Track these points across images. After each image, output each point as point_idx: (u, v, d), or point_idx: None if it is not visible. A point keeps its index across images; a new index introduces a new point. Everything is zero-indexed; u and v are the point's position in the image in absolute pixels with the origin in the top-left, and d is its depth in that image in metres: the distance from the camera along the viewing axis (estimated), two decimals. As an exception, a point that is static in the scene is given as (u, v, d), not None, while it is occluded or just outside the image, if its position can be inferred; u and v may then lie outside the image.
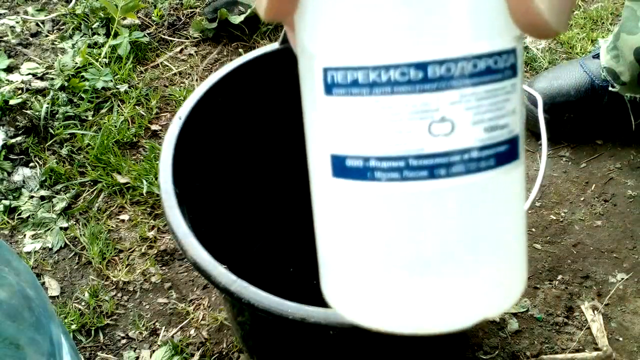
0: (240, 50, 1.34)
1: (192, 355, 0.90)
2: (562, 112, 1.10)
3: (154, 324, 0.94)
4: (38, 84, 1.26)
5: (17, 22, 1.42)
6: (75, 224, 1.06)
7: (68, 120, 1.21)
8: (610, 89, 1.09)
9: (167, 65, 1.32)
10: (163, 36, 1.38)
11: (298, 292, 0.92)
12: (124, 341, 0.93)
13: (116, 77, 1.27)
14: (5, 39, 1.38)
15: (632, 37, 1.03)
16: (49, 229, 1.06)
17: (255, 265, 0.95)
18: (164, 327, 0.93)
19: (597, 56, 1.12)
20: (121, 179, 1.10)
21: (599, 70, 1.10)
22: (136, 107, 1.23)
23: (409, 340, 0.68)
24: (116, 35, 1.34)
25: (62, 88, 1.25)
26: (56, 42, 1.36)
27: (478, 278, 0.27)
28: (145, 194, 1.08)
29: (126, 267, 1.00)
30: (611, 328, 0.90)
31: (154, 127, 1.20)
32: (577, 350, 0.88)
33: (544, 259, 0.98)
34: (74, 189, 1.11)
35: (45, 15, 1.43)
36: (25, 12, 1.44)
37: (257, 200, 0.93)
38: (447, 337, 0.74)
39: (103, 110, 1.23)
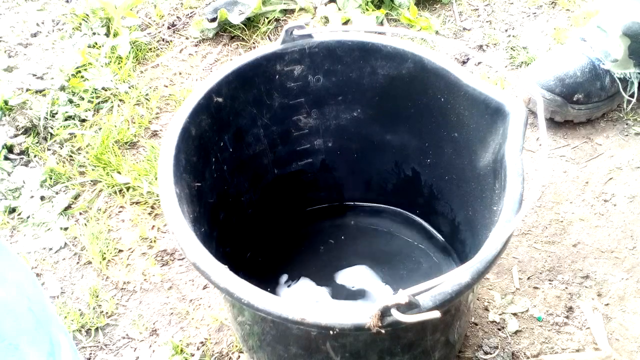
0: (240, 50, 1.34)
1: (192, 355, 0.90)
2: (572, 93, 1.12)
3: (154, 324, 0.94)
4: (38, 84, 1.26)
5: (17, 22, 1.42)
6: (75, 224, 1.06)
7: (68, 120, 1.21)
8: (601, 66, 1.12)
9: (167, 65, 1.32)
10: (163, 36, 1.38)
11: (299, 291, 0.92)
12: (124, 341, 0.93)
13: (116, 77, 1.27)
14: (5, 39, 1.38)
15: (618, 13, 1.07)
16: (49, 229, 1.06)
17: (256, 265, 0.95)
18: (164, 327, 0.93)
19: (584, 39, 1.15)
20: (121, 179, 1.10)
21: (594, 51, 1.13)
22: (136, 107, 1.23)
23: (408, 339, 0.68)
24: (116, 35, 1.34)
25: (62, 88, 1.25)
26: (56, 42, 1.36)
27: None
28: (145, 194, 1.08)
29: (126, 267, 1.00)
30: (611, 328, 0.90)
31: (154, 127, 1.20)
32: (577, 350, 0.88)
33: (544, 259, 0.98)
34: (74, 189, 1.11)
35: (45, 16, 1.43)
36: (26, 12, 1.44)
37: (258, 200, 0.93)
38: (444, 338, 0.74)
39: (103, 110, 1.23)
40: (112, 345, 0.93)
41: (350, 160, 0.96)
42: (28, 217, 1.08)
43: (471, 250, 0.83)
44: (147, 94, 1.25)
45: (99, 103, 1.24)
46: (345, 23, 1.36)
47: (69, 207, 1.09)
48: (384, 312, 0.55)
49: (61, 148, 1.17)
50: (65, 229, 1.06)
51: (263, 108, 0.86)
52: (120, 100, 1.24)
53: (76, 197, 1.10)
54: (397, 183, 0.96)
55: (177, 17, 1.42)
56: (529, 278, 0.96)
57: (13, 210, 1.09)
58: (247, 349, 0.81)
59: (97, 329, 0.94)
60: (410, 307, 0.55)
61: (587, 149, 1.12)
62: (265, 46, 0.82)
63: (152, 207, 1.07)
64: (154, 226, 1.05)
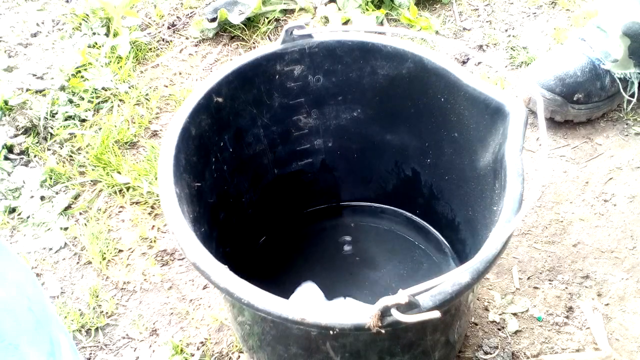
0: (240, 50, 1.34)
1: (192, 355, 0.90)
2: (572, 93, 1.12)
3: (154, 324, 0.94)
4: (38, 84, 1.26)
5: (17, 22, 1.42)
6: (75, 224, 1.06)
7: (68, 120, 1.21)
8: (602, 66, 1.12)
9: (167, 65, 1.32)
10: (163, 36, 1.38)
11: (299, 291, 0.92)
12: (124, 341, 0.93)
13: (116, 77, 1.27)
14: (5, 39, 1.38)
15: (618, 13, 1.07)
16: (49, 229, 1.06)
17: (256, 264, 0.95)
18: (164, 327, 0.93)
19: (583, 39, 1.15)
20: (121, 179, 1.10)
21: (594, 51, 1.13)
22: (136, 107, 1.23)
23: (408, 339, 0.68)
24: (116, 35, 1.34)
25: (62, 88, 1.25)
26: (56, 42, 1.36)
27: None
28: (145, 194, 1.08)
29: (126, 267, 1.00)
30: (611, 328, 0.90)
31: (154, 127, 1.20)
32: (577, 350, 0.88)
33: (544, 259, 0.98)
34: (74, 189, 1.11)
35: (45, 16, 1.43)
36: (26, 12, 1.44)
37: (258, 200, 0.93)
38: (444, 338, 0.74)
39: (103, 110, 1.23)
40: (112, 345, 0.93)
41: (350, 160, 0.96)
42: (28, 217, 1.08)
43: (471, 250, 0.83)
44: (147, 94, 1.25)
45: (99, 103, 1.24)
46: (345, 23, 1.36)
47: (69, 207, 1.09)
48: (384, 312, 0.55)
49: (61, 148, 1.17)
50: (65, 229, 1.06)
51: (263, 108, 0.86)
52: (120, 100, 1.24)
53: (76, 197, 1.10)
54: (397, 183, 0.96)
55: (177, 17, 1.42)
56: (529, 278, 0.96)
57: (13, 210, 1.09)
58: (247, 349, 0.81)
59: (97, 329, 0.94)
60: (410, 307, 0.55)
61: (587, 149, 1.12)
62: (265, 46, 0.82)
63: (152, 207, 1.07)
64: (154, 226, 1.05)
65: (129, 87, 1.26)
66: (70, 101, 1.24)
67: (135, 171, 1.11)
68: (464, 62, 1.28)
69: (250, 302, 0.58)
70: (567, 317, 0.91)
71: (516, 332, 0.90)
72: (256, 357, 0.80)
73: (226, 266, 0.62)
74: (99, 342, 0.93)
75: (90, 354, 0.92)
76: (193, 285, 0.98)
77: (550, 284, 0.95)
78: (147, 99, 1.24)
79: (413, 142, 0.89)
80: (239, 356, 0.89)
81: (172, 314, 0.95)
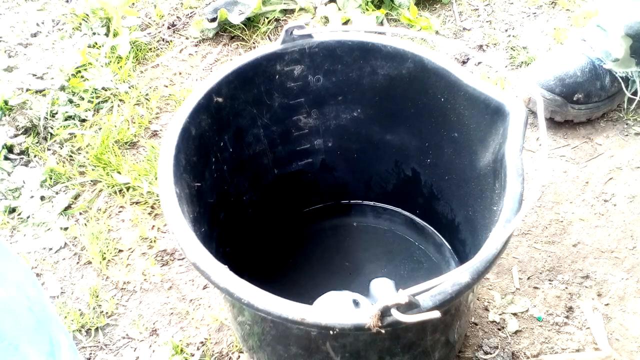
0: (240, 50, 1.34)
1: (192, 355, 0.90)
2: (572, 93, 1.12)
3: (154, 324, 0.94)
4: (38, 84, 1.26)
5: (17, 22, 1.42)
6: (75, 224, 1.06)
7: (68, 120, 1.21)
8: (603, 66, 1.12)
9: (167, 65, 1.32)
10: (163, 36, 1.38)
11: (299, 291, 0.92)
12: (124, 341, 0.93)
13: (116, 77, 1.27)
14: (5, 39, 1.38)
15: (619, 13, 1.07)
16: (49, 229, 1.06)
17: (256, 264, 0.95)
18: (164, 327, 0.93)
19: (584, 40, 1.15)
20: (121, 179, 1.10)
21: (594, 51, 1.13)
22: (136, 107, 1.23)
23: (408, 339, 0.68)
24: (116, 35, 1.34)
25: (62, 88, 1.25)
26: (56, 42, 1.36)
27: None
28: (145, 194, 1.08)
29: (126, 267, 1.00)
30: (611, 328, 0.90)
31: (154, 127, 1.20)
32: (577, 350, 0.88)
33: (544, 259, 0.98)
34: (74, 189, 1.11)
35: (45, 16, 1.43)
36: (26, 12, 1.44)
37: (258, 200, 0.93)
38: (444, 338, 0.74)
39: (103, 110, 1.23)
40: (112, 345, 0.93)
41: (350, 160, 0.96)
42: (28, 217, 1.08)
43: (471, 250, 0.83)
44: (147, 94, 1.25)
45: (99, 103, 1.24)
46: (345, 23, 1.36)
47: (69, 207, 1.09)
48: (384, 312, 0.55)
49: (61, 148, 1.17)
50: (65, 229, 1.06)
51: (263, 108, 0.86)
52: (120, 100, 1.24)
53: (76, 197, 1.10)
54: (397, 183, 0.96)
55: (177, 17, 1.42)
56: (529, 278, 0.96)
57: (13, 210, 1.09)
58: (247, 349, 0.81)
59: (97, 329, 0.94)
60: (410, 307, 0.55)
61: (587, 149, 1.12)
62: (265, 46, 0.82)
63: (152, 207, 1.07)
64: (154, 226, 1.05)
65: (129, 87, 1.26)
66: (70, 101, 1.24)
67: (135, 171, 1.11)
68: (464, 62, 1.28)
69: (250, 302, 0.58)
70: (567, 317, 0.91)
71: (516, 332, 0.90)
72: (256, 357, 0.80)
73: (226, 266, 0.62)
74: (99, 342, 0.93)
75: (90, 354, 0.92)
76: (193, 285, 0.98)
77: (550, 284, 0.95)
78: (147, 99, 1.24)
79: (413, 142, 0.89)
80: (239, 356, 0.89)
81: (172, 314, 0.95)
